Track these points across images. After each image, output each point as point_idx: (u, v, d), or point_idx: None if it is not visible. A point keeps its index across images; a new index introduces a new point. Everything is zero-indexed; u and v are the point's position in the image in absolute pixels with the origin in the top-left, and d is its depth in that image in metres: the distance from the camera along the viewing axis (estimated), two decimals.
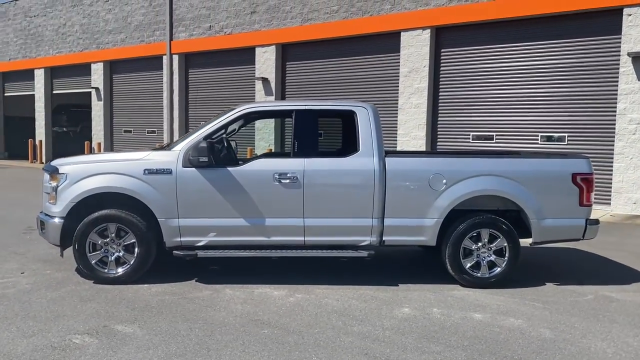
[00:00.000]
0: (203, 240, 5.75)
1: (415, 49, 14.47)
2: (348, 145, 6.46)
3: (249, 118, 6.63)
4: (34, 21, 25.66)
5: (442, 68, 14.44)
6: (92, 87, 23.09)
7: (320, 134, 6.25)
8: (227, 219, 5.71)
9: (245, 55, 18.12)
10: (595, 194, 9.42)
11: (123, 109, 22.78)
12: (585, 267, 6.99)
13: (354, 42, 15.78)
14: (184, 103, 20.23)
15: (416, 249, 7.44)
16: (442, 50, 14.38)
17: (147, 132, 21.71)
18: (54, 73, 25.44)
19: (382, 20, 14.95)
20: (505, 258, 5.88)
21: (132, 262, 5.72)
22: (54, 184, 5.75)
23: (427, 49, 14.33)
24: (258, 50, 17.61)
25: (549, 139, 12.93)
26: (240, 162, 5.85)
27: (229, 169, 5.70)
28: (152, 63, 21.09)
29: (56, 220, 5.69)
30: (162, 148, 6.19)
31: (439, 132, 14.63)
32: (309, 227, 5.73)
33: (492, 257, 5.91)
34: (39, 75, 25.55)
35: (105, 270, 5.74)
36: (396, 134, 15.00)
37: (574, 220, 5.92)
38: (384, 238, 5.84)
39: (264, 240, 5.76)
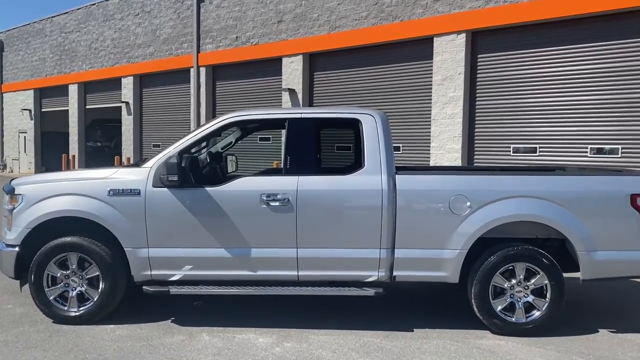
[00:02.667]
0: (177, 275, 4.85)
1: (449, 55, 13.42)
2: (351, 160, 5.46)
3: (243, 128, 5.72)
4: (68, 37, 25.86)
5: (478, 75, 13.31)
6: (122, 102, 22.89)
7: (319, 147, 5.28)
8: (205, 249, 4.80)
9: (271, 66, 17.49)
10: None
11: (152, 123, 22.47)
12: None
13: (384, 49, 14.87)
14: (210, 116, 19.67)
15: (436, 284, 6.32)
16: (479, 55, 13.27)
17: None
18: (87, 88, 25.54)
19: (413, 26, 13.99)
20: (547, 299, 4.76)
21: (95, 299, 4.88)
22: (10, 206, 4.96)
23: (462, 55, 13.23)
24: (285, 61, 16.93)
25: (600, 151, 11.59)
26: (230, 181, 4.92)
27: (207, 189, 4.78)
28: (180, 76, 20.73)
29: (9, 249, 4.88)
30: (133, 164, 5.34)
31: (476, 145, 13.47)
32: (304, 259, 4.76)
33: (530, 298, 4.79)
34: (73, 91, 25.68)
35: (65, 308, 4.91)
36: (429, 146, 13.92)
37: (634, 253, 4.74)
38: (394, 273, 4.81)
39: (250, 274, 4.82)
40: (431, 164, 13.74)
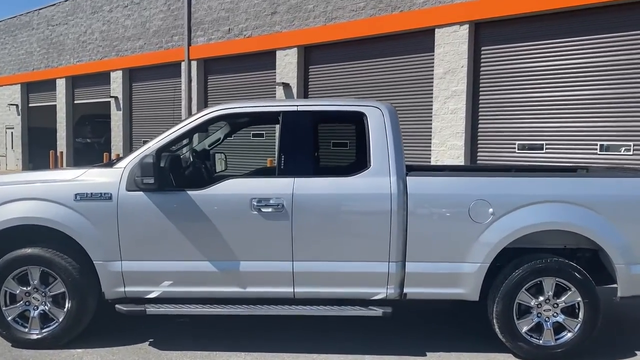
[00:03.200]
0: (155, 291, 4.21)
1: (451, 47, 12.86)
2: (355, 159, 4.84)
3: (232, 123, 5.07)
4: (56, 30, 25.18)
5: (482, 68, 12.76)
6: (112, 96, 22.24)
7: (317, 144, 4.65)
8: (187, 262, 4.17)
9: (265, 59, 16.89)
10: None
11: (142, 119, 21.84)
12: None
13: (382, 41, 14.27)
14: None
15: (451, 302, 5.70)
16: (483, 47, 12.68)
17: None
18: (75, 82, 24.91)
19: (413, 16, 13.42)
20: (579, 319, 4.15)
21: (61, 319, 4.24)
22: None
23: (465, 47, 12.66)
24: (279, 54, 16.31)
25: (610, 148, 11.06)
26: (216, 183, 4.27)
27: (189, 193, 4.14)
28: (171, 70, 20.06)
29: None
30: (105, 164, 4.68)
31: (479, 141, 12.94)
32: (301, 274, 4.13)
33: (560, 318, 4.19)
34: (61, 85, 25.02)
35: (26, 330, 4.27)
36: (430, 143, 13.34)
37: None
38: (405, 290, 4.18)
39: (239, 291, 4.19)
40: (432, 162, 13.17)
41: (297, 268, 4.13)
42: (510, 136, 12.37)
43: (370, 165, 4.19)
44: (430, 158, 13.35)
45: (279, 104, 4.43)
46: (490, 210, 4.10)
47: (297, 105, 4.34)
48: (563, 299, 4.18)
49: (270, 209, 4.11)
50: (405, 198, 4.12)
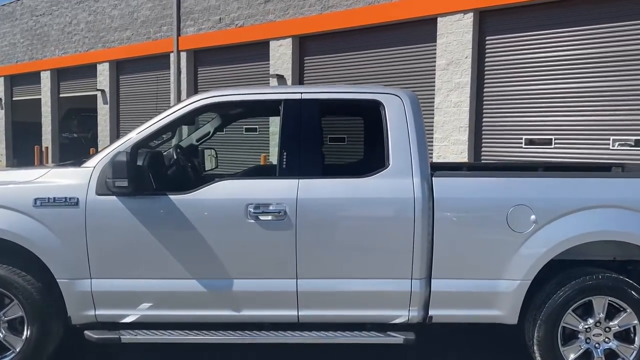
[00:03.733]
0: (131, 315, 3.53)
1: (454, 37, 12.35)
2: (370, 157, 4.17)
3: (223, 114, 4.38)
4: (40, 20, 24.43)
5: (487, 59, 12.19)
6: (98, 90, 21.54)
7: (325, 138, 3.97)
8: (170, 280, 3.50)
9: (258, 50, 16.25)
10: None
11: (130, 113, 21.16)
12: None
13: (381, 31, 13.67)
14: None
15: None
16: (488, 37, 12.09)
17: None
18: (60, 75, 24.21)
19: (414, 4, 12.87)
20: (635, 346, 3.55)
21: (18, 349, 3.56)
22: None
23: (469, 37, 12.09)
24: (272, 44, 15.66)
25: (624, 143, 10.55)
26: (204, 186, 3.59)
27: (172, 197, 3.44)
28: (160, 62, 19.32)
29: None
30: (73, 162, 3.97)
31: (483, 136, 12.45)
32: (306, 293, 3.47)
33: (613, 344, 3.57)
34: (45, 78, 24.31)
35: None
36: (432, 138, 12.77)
37: None
38: (430, 312, 3.53)
39: (232, 315, 3.52)
40: (434, 159, 12.62)
41: (301, 287, 3.47)
42: (517, 130, 11.78)
43: (389, 164, 3.53)
44: (432, 154, 12.81)
45: (280, 90, 3.75)
46: (533, 217, 3.45)
47: (302, 92, 3.66)
48: (616, 321, 3.55)
49: (269, 217, 3.44)
50: (431, 203, 3.46)
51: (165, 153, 4.31)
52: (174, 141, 4.81)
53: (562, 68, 11.04)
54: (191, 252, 3.46)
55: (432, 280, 3.51)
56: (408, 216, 3.44)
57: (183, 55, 18.13)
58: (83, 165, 3.58)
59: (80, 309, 3.53)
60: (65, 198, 3.45)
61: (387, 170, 3.51)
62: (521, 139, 11.72)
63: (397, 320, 3.53)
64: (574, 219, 3.46)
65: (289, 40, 15.16)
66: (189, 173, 4.27)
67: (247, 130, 16.17)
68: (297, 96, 3.65)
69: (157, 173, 3.70)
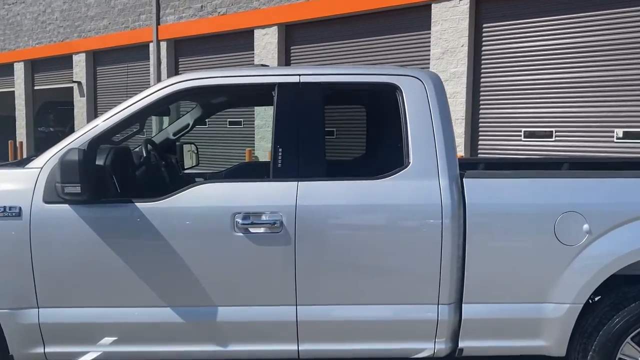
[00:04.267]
0: (90, 352, 2.84)
1: (450, 24, 12.02)
2: (385, 153, 3.52)
3: (204, 104, 3.68)
4: (12, 9, 23.54)
5: (484, 48, 11.76)
6: (74, 81, 20.76)
7: (331, 131, 3.28)
8: (139, 309, 2.80)
9: (242, 40, 15.69)
10: None
11: (108, 106, 20.45)
12: None
13: (372, 18, 13.18)
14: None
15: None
16: (485, 25, 11.64)
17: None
18: (35, 66, 23.39)
19: None
20: None
21: None
22: None
23: (465, 24, 11.64)
24: (257, 33, 15.10)
25: (628, 135, 10.17)
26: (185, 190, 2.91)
27: (141, 205, 2.75)
28: (139, 52, 18.68)
29: None
30: (15, 162, 3.25)
31: (480, 129, 12.11)
32: (308, 323, 2.82)
33: None
34: (19, 70, 23.46)
35: None
36: None
37: None
38: (461, 344, 2.91)
39: (217, 351, 2.85)
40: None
41: (302, 315, 2.81)
42: (515, 123, 11.37)
43: (409, 162, 2.87)
44: None
45: (274, 72, 3.05)
46: (586, 226, 2.82)
47: (300, 75, 2.97)
48: None
49: (262, 229, 2.77)
50: (462, 211, 2.80)
51: (135, 150, 3.61)
52: (147, 135, 4.12)
53: (564, 57, 10.63)
54: (165, 274, 2.78)
55: (463, 305, 2.88)
56: (434, 227, 2.79)
57: (163, 45, 17.52)
58: (28, 165, 2.87)
59: (25, 345, 2.83)
60: (4, 208, 2.75)
61: (407, 170, 2.86)
62: (520, 131, 11.31)
63: (421, 355, 2.89)
64: (632, 228, 2.83)
65: (274, 28, 14.65)
66: (163, 174, 3.57)
67: (231, 123, 15.64)
68: (295, 79, 2.97)
69: (123, 175, 3.01)
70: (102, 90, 20.55)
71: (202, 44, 16.69)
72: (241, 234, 2.78)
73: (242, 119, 15.55)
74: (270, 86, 3.01)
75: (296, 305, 2.81)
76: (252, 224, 2.78)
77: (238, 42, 15.73)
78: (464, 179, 2.90)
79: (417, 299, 2.83)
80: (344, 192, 2.83)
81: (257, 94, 3.67)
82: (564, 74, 10.60)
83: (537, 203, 2.88)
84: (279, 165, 2.87)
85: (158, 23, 17.65)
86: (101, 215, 2.77)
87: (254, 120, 14.69)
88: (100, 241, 2.74)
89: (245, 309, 2.82)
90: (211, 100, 3.87)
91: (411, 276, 2.83)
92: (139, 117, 3.02)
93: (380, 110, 3.78)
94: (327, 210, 2.80)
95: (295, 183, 2.83)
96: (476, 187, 2.89)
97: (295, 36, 14.65)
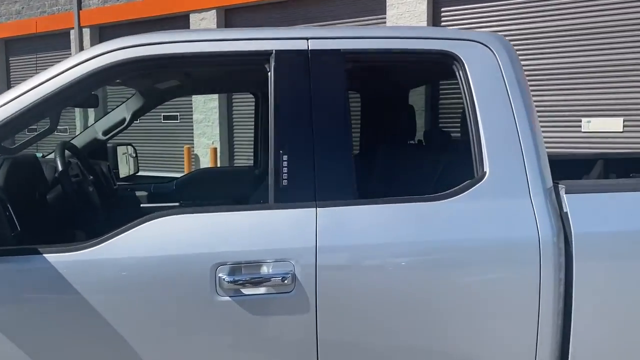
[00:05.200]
0: None
1: (406, 8, 11.90)
2: (444, 159, 2.54)
3: (147, 89, 2.55)
4: None
5: None
6: None
7: (360, 128, 2.30)
8: None
9: (177, 25, 14.88)
10: None
11: None
12: None
13: (323, 2, 12.73)
14: (100, 92, 16.56)
15: None
16: (443, 9, 11.34)
17: (57, 132, 18.13)
18: None
19: None
20: None
21: None
22: None
23: (423, 7, 11.29)
24: (193, 18, 14.27)
25: (596, 123, 9.97)
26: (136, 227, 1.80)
27: (51, 259, 1.59)
28: (58, 40, 17.47)
29: None
30: None
31: (440, 122, 11.65)
32: None
33: None
34: None
35: None
36: None
37: None
38: None
39: None
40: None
41: None
42: None
43: (484, 173, 1.86)
44: None
45: (266, 35, 1.94)
46: None
47: (309, 38, 1.90)
48: None
49: (262, 289, 1.72)
50: (568, 245, 1.83)
51: (45, 158, 2.43)
52: (63, 135, 2.93)
53: (527, 43, 10.38)
54: None
55: None
56: (529, 271, 1.80)
57: (86, 31, 16.50)
58: None
59: None
60: None
61: (482, 185, 1.84)
62: None
63: None
64: None
65: (213, 12, 13.98)
66: (92, 196, 2.36)
67: (166, 118, 14.61)
68: (301, 45, 1.89)
69: (24, 201, 1.84)
70: (17, 84, 18.92)
71: (131, 30, 15.54)
72: (228, 298, 1.69)
73: (178, 113, 14.44)
74: (261, 56, 1.91)
75: None
76: (244, 281, 1.69)
77: (172, 27, 14.73)
78: (565, 195, 1.94)
79: None
80: (391, 223, 1.80)
81: (240, 70, 2.53)
82: (531, 60, 10.32)
83: None
84: (284, 181, 1.79)
85: (79, 7, 16.35)
86: None
87: (192, 114, 13.85)
88: None
89: None
90: (161, 83, 2.68)
91: (495, 344, 1.83)
92: (50, 108, 1.85)
93: (430, 93, 2.77)
94: (366, 254, 1.75)
95: (312, 210, 1.77)
96: (584, 207, 1.92)
97: (236, 21, 13.94)
